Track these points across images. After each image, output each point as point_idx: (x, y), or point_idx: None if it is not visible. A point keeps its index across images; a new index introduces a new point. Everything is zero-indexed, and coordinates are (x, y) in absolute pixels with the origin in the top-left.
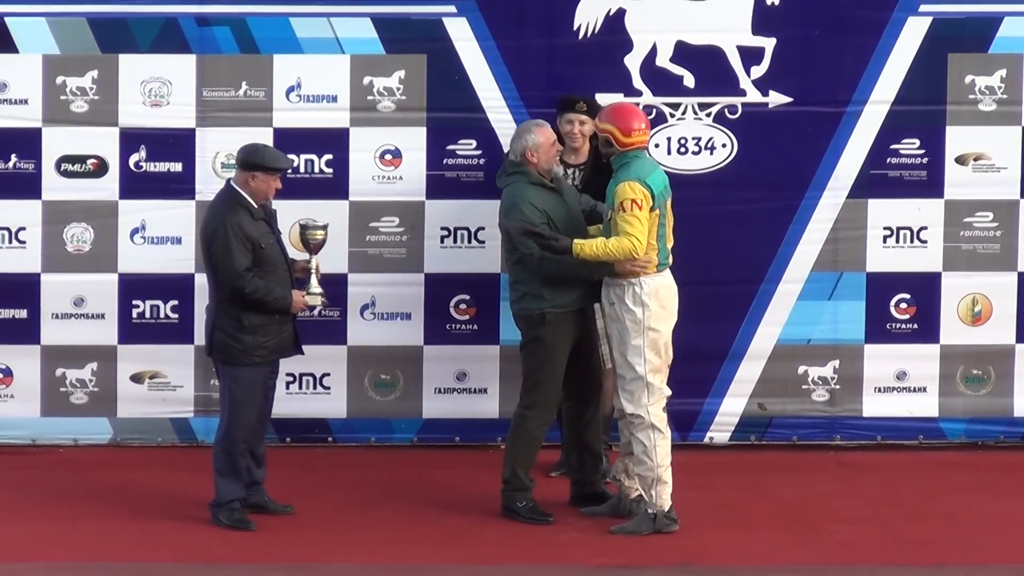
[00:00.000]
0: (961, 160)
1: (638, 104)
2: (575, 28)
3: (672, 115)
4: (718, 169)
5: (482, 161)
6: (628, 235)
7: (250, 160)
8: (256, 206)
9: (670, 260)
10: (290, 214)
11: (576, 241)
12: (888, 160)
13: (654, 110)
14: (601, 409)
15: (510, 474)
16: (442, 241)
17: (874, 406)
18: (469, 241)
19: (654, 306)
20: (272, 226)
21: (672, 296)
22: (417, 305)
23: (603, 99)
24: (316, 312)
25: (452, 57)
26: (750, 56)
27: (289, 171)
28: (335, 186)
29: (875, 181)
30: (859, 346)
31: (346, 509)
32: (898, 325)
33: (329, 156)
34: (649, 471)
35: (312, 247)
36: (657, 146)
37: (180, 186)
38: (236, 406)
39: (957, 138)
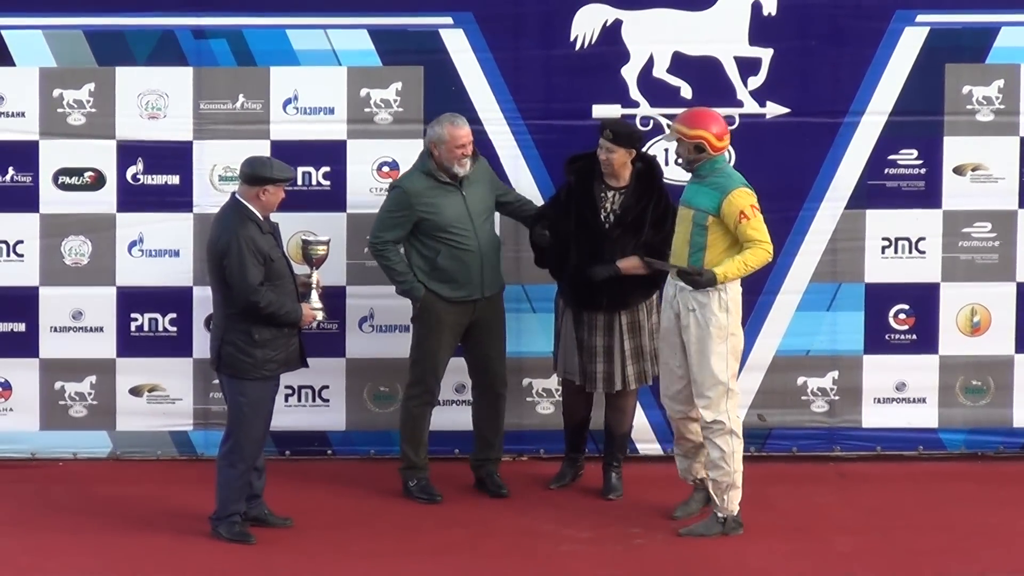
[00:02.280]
0: (959, 170)
1: (635, 116)
2: (572, 39)
3: (669, 126)
4: None
5: None
6: (759, 243)
7: (259, 174)
8: (263, 219)
9: None
10: (288, 227)
11: (717, 271)
12: (886, 171)
13: (651, 121)
14: (620, 427)
15: (400, 454)
16: None
17: (873, 417)
18: None
19: (736, 312)
20: (277, 239)
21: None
22: None
23: (600, 111)
24: (315, 325)
25: (449, 69)
26: (747, 67)
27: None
28: (333, 198)
29: (873, 192)
30: (858, 357)
31: (346, 522)
32: (897, 336)
33: (327, 168)
34: (725, 476)
35: (314, 261)
36: (655, 157)
37: (178, 199)
38: (245, 421)
39: (955, 148)
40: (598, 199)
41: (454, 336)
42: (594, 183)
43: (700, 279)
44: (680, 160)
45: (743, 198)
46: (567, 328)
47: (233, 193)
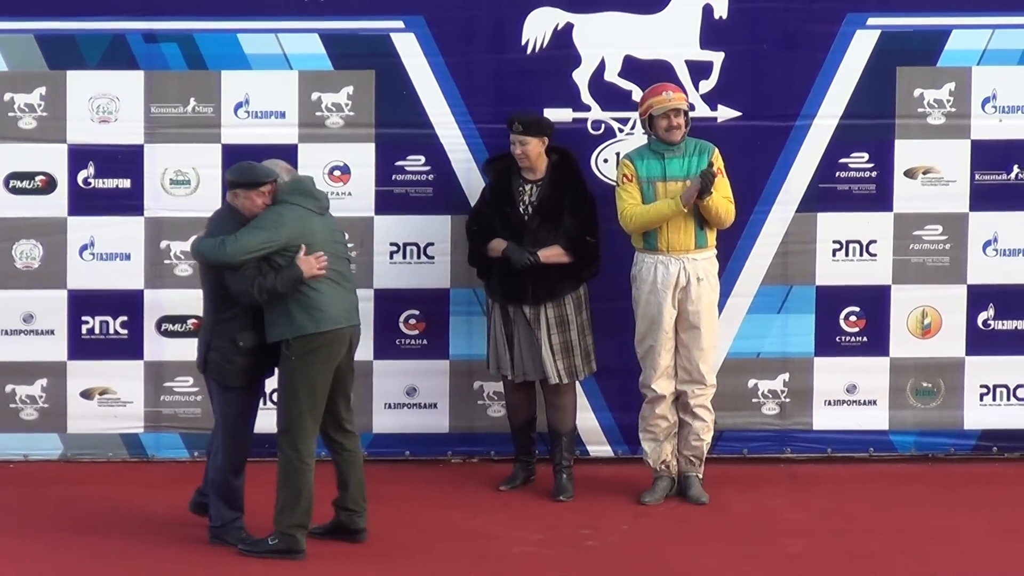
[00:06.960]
0: (910, 173)
1: (586, 119)
2: (523, 43)
3: (620, 130)
4: None
5: (431, 177)
6: (731, 200)
7: (229, 179)
8: None
9: None
10: None
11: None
12: (837, 174)
13: (603, 125)
14: (562, 425)
15: None
16: (391, 257)
17: (824, 419)
18: (418, 257)
19: None
20: None
21: None
22: (367, 320)
23: (551, 114)
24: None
25: (400, 73)
26: (698, 70)
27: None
28: None
29: (824, 195)
30: (809, 359)
31: None
32: (848, 338)
33: None
34: (710, 440)
35: None
36: (606, 161)
37: (129, 202)
38: (234, 429)
39: (906, 151)
40: (516, 193)
41: None
42: (512, 179)
43: (709, 179)
44: (679, 132)
45: (719, 157)
46: (496, 325)
47: (226, 200)
